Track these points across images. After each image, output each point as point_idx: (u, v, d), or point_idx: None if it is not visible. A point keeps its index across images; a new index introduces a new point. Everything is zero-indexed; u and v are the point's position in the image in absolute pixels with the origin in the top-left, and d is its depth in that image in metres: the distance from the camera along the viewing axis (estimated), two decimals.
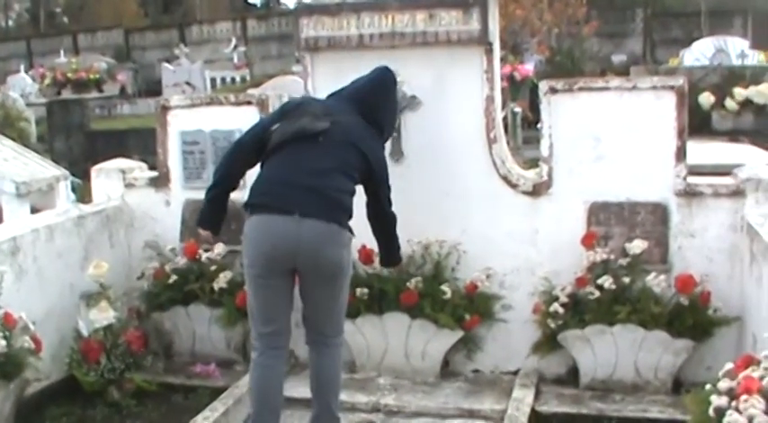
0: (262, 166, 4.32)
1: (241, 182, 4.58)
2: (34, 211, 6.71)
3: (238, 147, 4.47)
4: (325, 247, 4.10)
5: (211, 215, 4.51)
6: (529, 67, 14.46)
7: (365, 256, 5.14)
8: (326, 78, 5.11)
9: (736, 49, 15.57)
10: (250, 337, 4.42)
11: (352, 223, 4.25)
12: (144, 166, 6.18)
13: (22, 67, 27.12)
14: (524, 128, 12.40)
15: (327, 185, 4.14)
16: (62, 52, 27.69)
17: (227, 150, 4.65)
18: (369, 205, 4.51)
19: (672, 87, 4.95)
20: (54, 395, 5.05)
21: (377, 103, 4.52)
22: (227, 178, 4.42)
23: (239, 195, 5.36)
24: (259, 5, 50.20)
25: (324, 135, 4.21)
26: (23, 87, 23.13)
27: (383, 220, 4.56)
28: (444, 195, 5.27)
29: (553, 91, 5.11)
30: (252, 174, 4.46)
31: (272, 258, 4.12)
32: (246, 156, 4.40)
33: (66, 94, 23.06)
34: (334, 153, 4.21)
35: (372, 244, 4.83)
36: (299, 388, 4.89)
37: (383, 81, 4.60)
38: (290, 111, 4.39)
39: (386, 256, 4.80)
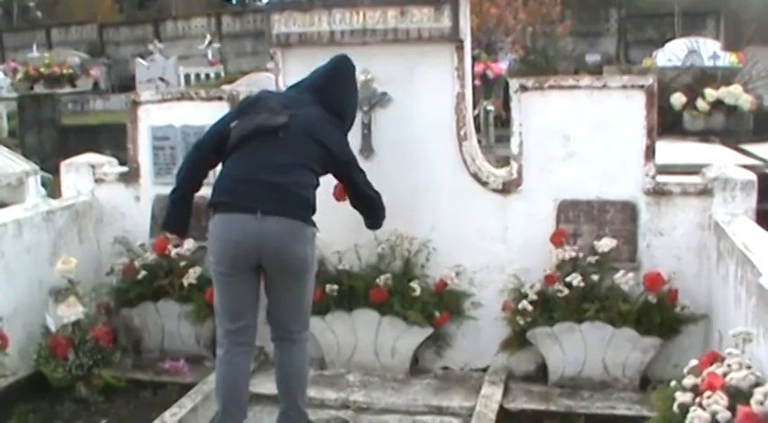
0: (223, 164, 4.30)
1: (205, 180, 4.54)
2: (3, 205, 6.65)
3: (196, 149, 4.45)
4: (289, 243, 4.10)
5: (177, 218, 4.51)
6: (503, 66, 14.46)
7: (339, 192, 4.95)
8: (297, 74, 5.09)
9: (709, 50, 15.67)
10: (217, 342, 4.39)
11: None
12: (114, 161, 6.14)
13: None
14: (497, 126, 12.41)
15: (288, 182, 4.13)
16: (35, 47, 27.55)
17: (186, 153, 4.63)
18: (349, 195, 4.59)
19: (641, 87, 4.98)
20: (21, 391, 5.00)
21: (336, 92, 4.51)
22: (188, 181, 4.40)
23: (208, 191, 5.37)
24: (234, 2, 50.05)
25: (283, 130, 4.19)
26: None
27: (369, 203, 4.63)
28: (414, 192, 5.28)
29: (524, 89, 5.13)
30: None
31: (236, 256, 4.12)
32: (206, 157, 4.38)
33: (39, 88, 22.98)
34: (294, 148, 4.20)
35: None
36: (266, 384, 4.89)
37: (341, 70, 4.58)
38: (247, 106, 4.37)
39: (372, 225, 4.83)
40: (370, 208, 4.66)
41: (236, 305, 4.23)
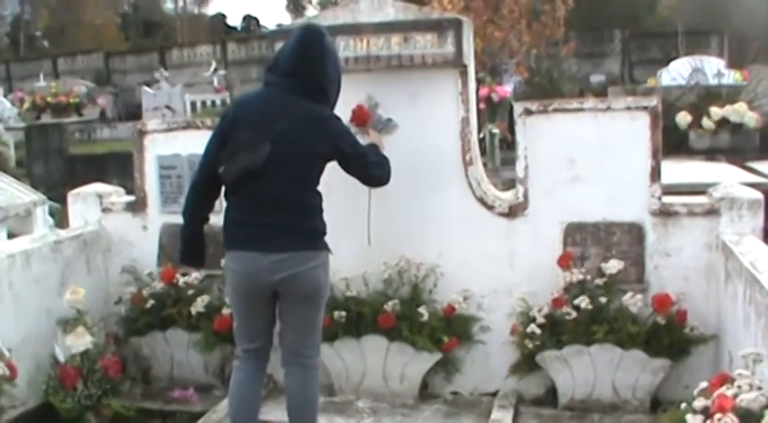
0: (226, 202, 4.28)
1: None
2: (11, 236, 6.67)
3: (193, 190, 4.37)
4: (299, 273, 4.10)
5: (193, 252, 4.47)
6: (508, 89, 14.48)
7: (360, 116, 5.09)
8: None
9: (713, 68, 15.71)
10: (235, 355, 4.43)
11: None
12: (121, 190, 6.17)
13: (1, 91, 27.02)
14: (503, 149, 12.42)
15: (288, 218, 4.10)
16: (42, 76, 27.73)
17: (187, 192, 4.51)
18: (360, 180, 4.54)
19: (646, 108, 4.98)
20: (30, 422, 5.00)
21: (311, 72, 4.18)
22: (195, 219, 4.37)
23: (217, 220, 5.39)
24: (239, 29, 50.41)
25: (269, 165, 4.04)
26: (2, 111, 23.07)
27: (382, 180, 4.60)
28: (421, 218, 5.29)
29: (528, 113, 5.14)
30: None
31: (250, 289, 4.18)
32: (206, 195, 4.33)
33: (46, 118, 23.11)
34: (286, 177, 4.08)
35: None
36: (276, 412, 4.89)
37: (308, 47, 4.19)
38: (228, 137, 4.18)
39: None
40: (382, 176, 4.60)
41: (253, 329, 4.30)
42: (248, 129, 4.12)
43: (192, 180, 4.47)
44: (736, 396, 3.12)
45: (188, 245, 4.42)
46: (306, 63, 4.18)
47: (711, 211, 4.94)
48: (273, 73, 4.28)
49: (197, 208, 4.35)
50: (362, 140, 4.70)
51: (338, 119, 4.35)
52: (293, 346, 4.28)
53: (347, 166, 4.34)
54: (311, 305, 4.24)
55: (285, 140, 4.06)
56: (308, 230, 4.16)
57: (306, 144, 4.13)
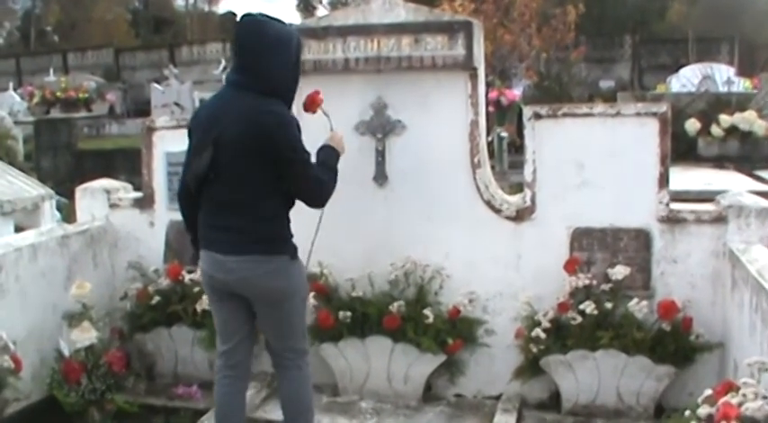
0: None
1: None
2: (19, 229, 6.68)
3: (179, 199, 4.25)
4: (256, 279, 3.99)
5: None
6: (517, 92, 14.49)
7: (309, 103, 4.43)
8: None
9: (723, 75, 15.70)
10: None
11: None
12: (129, 186, 6.18)
13: (10, 85, 27.08)
14: (511, 152, 12.42)
15: (239, 220, 3.96)
16: (51, 71, 27.75)
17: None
18: (294, 192, 4.06)
19: (655, 114, 4.98)
20: (34, 415, 5.00)
21: (253, 60, 3.93)
22: (193, 225, 4.23)
23: None
24: None
25: (212, 168, 3.93)
26: (12, 105, 23.09)
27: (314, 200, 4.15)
28: (428, 220, 5.28)
29: (537, 117, 5.13)
30: None
31: (213, 287, 4.15)
32: (191, 201, 4.16)
33: (55, 112, 23.16)
34: (232, 177, 3.94)
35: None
36: (277, 411, 4.85)
37: (245, 32, 3.96)
38: (190, 140, 4.13)
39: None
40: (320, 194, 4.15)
41: (225, 327, 4.24)
42: (198, 133, 4.05)
43: (177, 189, 4.32)
44: (740, 404, 3.12)
45: (196, 248, 4.32)
46: (245, 55, 3.96)
47: (719, 219, 4.93)
48: (230, 70, 4.14)
49: (190, 215, 4.22)
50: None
51: (282, 114, 3.94)
52: (275, 349, 4.25)
53: (284, 172, 3.92)
54: (277, 309, 4.12)
55: (225, 141, 3.90)
56: (262, 234, 3.97)
57: (244, 143, 3.88)
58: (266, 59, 3.91)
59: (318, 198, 4.12)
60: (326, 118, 4.36)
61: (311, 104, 4.32)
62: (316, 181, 4.04)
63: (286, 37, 3.98)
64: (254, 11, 4.00)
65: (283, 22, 4.04)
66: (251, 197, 3.93)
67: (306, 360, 4.29)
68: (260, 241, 3.98)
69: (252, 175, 3.91)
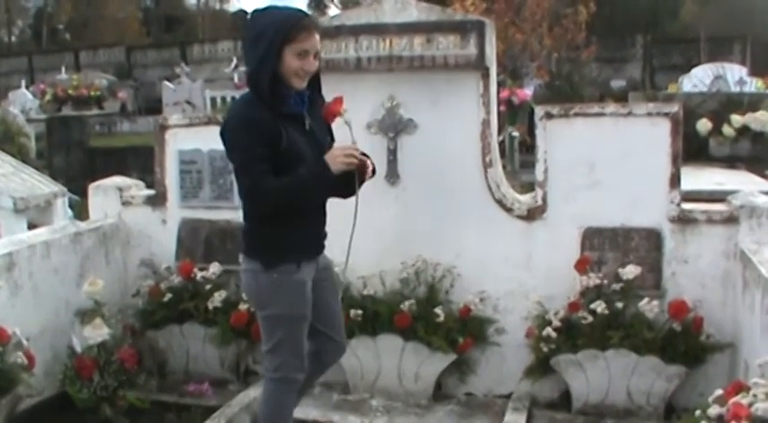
0: None
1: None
2: (31, 226, 6.72)
3: None
4: (242, 274, 3.97)
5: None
6: (528, 92, 14.50)
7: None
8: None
9: (735, 75, 15.67)
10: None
11: None
12: (141, 184, 6.20)
13: (23, 83, 27.25)
14: (522, 152, 12.44)
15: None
16: (63, 69, 27.89)
17: None
18: None
19: (667, 114, 4.97)
20: (46, 411, 5.03)
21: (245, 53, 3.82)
22: None
23: (235, 215, 5.43)
24: None
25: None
26: (24, 103, 23.23)
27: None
28: (439, 218, 5.29)
29: (549, 116, 5.14)
30: None
31: None
32: None
33: (67, 110, 23.26)
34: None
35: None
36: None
37: (244, 28, 3.96)
38: None
39: None
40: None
41: None
42: None
43: None
44: (751, 405, 3.12)
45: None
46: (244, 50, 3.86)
47: (730, 219, 4.92)
48: None
49: None
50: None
51: (226, 126, 3.74)
52: None
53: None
54: (257, 313, 4.00)
55: None
56: (245, 234, 3.88)
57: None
58: (246, 51, 3.80)
59: (250, 205, 3.79)
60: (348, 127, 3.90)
61: (329, 115, 3.91)
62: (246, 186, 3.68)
63: (265, 26, 3.68)
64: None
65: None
66: (241, 198, 3.80)
67: (273, 384, 3.96)
68: (244, 241, 3.88)
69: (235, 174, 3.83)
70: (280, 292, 3.79)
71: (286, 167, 3.64)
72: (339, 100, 3.84)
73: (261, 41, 3.63)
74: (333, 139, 3.94)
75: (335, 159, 3.69)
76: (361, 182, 3.84)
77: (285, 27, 3.62)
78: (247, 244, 3.85)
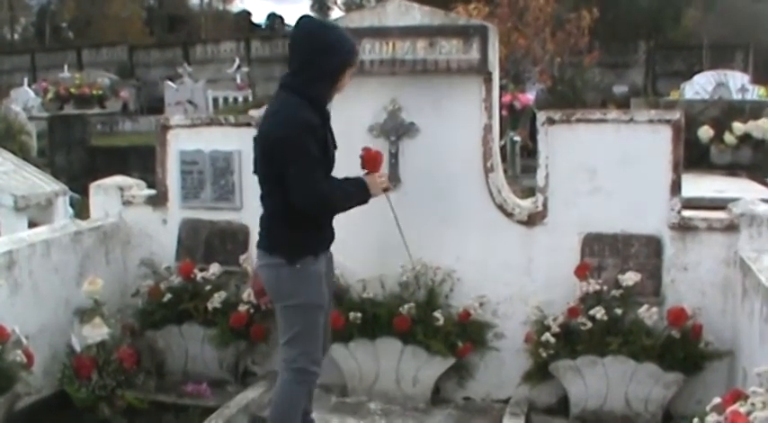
0: None
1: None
2: (32, 225, 6.72)
3: None
4: (259, 267, 4.30)
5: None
6: (530, 96, 14.51)
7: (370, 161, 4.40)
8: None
9: (737, 83, 15.68)
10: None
11: None
12: (142, 183, 6.20)
13: (25, 81, 27.23)
14: (523, 156, 12.43)
15: (262, 215, 4.24)
16: (66, 67, 27.87)
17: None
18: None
19: (668, 121, 4.98)
20: (45, 410, 5.03)
21: (292, 63, 4.08)
22: None
23: (236, 216, 5.43)
24: (263, 27, 50.56)
25: (254, 164, 4.18)
26: (26, 101, 23.23)
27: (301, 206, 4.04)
28: (440, 222, 5.30)
29: (551, 122, 5.14)
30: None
31: None
32: None
33: (69, 108, 23.27)
34: (260, 175, 4.16)
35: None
36: None
37: (292, 37, 4.08)
38: None
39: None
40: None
41: None
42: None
43: None
44: (749, 413, 3.12)
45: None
46: (291, 53, 4.07)
47: (731, 227, 4.93)
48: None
49: None
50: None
51: (291, 130, 3.94)
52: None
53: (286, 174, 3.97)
54: (278, 308, 4.23)
55: (259, 140, 4.11)
56: (264, 230, 4.22)
57: (263, 138, 4.08)
58: (301, 60, 4.05)
59: (302, 204, 3.99)
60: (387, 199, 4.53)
61: (369, 162, 4.39)
62: (299, 190, 3.96)
63: (332, 40, 4.05)
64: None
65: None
66: (267, 185, 4.12)
67: (290, 374, 4.20)
68: (263, 237, 4.20)
69: (267, 173, 4.09)
70: (302, 282, 4.10)
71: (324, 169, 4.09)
72: (379, 152, 4.44)
73: (332, 56, 3.99)
74: (335, 147, 4.25)
75: (379, 186, 4.32)
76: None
77: (354, 52, 4.10)
78: (271, 241, 4.14)
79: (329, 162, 4.14)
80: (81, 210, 8.12)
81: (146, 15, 49.57)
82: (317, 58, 3.96)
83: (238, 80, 26.41)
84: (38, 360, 4.74)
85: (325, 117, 4.11)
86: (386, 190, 4.41)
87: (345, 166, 4.31)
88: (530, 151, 11.68)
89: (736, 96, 14.40)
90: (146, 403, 5.24)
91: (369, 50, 5.17)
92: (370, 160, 4.38)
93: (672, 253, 5.02)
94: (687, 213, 5.02)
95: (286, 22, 51.48)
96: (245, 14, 53.28)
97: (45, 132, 16.49)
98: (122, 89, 26.61)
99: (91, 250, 5.65)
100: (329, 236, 4.30)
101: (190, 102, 22.57)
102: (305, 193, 3.95)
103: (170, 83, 24.42)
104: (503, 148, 9.78)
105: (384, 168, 4.54)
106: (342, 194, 4.15)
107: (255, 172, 4.16)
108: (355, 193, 4.21)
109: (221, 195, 5.71)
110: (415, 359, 5.20)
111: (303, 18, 4.11)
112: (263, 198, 4.16)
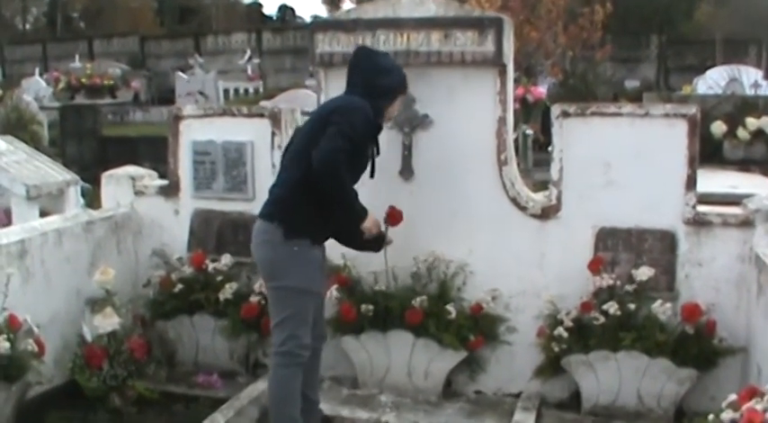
0: None
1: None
2: (44, 214, 6.71)
3: None
4: (255, 244, 4.33)
5: None
6: (542, 90, 14.46)
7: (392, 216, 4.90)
8: (339, 94, 5.13)
9: (750, 78, 15.58)
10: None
11: None
12: (154, 174, 6.19)
13: (37, 71, 27.30)
14: (535, 150, 12.41)
15: (275, 184, 4.39)
16: (77, 57, 27.94)
17: None
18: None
19: (684, 115, 4.94)
20: (55, 399, 5.05)
21: (353, 77, 4.50)
22: None
23: (248, 207, 5.42)
24: (275, 18, 50.55)
25: (289, 143, 4.52)
26: (38, 91, 23.29)
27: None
28: (453, 215, 5.27)
29: (565, 115, 5.11)
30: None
31: None
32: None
33: (80, 98, 23.33)
34: (287, 158, 4.40)
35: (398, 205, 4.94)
36: None
37: (353, 61, 4.55)
38: None
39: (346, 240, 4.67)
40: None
41: None
42: None
43: None
44: (765, 410, 3.11)
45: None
46: (351, 72, 4.49)
47: (746, 223, 4.89)
48: None
49: None
50: None
51: (354, 104, 4.31)
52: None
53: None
54: (269, 287, 4.33)
55: (313, 113, 4.55)
56: (273, 197, 4.34)
57: (321, 109, 4.51)
58: (364, 77, 4.46)
59: (321, 163, 4.07)
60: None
61: (393, 218, 4.87)
62: (326, 151, 4.08)
63: (384, 65, 4.56)
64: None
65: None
66: (296, 159, 4.28)
67: (277, 358, 4.30)
68: (270, 204, 4.32)
69: (304, 139, 4.31)
70: (296, 263, 4.20)
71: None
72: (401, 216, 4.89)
73: (390, 78, 4.49)
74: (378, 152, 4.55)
75: (376, 224, 4.52)
76: (379, 246, 4.73)
77: (406, 81, 4.61)
78: (275, 208, 4.25)
79: (363, 160, 4.38)
80: (92, 200, 8.12)
81: (157, 6, 49.57)
82: (377, 77, 4.40)
83: (249, 71, 26.42)
84: (49, 349, 4.74)
85: (378, 128, 4.44)
86: (380, 237, 4.66)
87: None
88: (542, 145, 11.65)
89: (750, 92, 14.30)
90: (156, 393, 5.25)
91: (383, 42, 5.15)
92: (393, 215, 4.85)
93: (686, 248, 4.98)
94: (702, 208, 4.98)
95: (297, 14, 51.46)
96: (257, 6, 53.22)
97: (56, 122, 16.51)
98: (133, 79, 26.63)
99: (102, 240, 5.64)
100: (329, 230, 4.43)
101: (201, 93, 22.57)
102: (326, 150, 4.06)
103: (181, 74, 24.44)
104: (515, 142, 9.77)
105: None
106: (348, 190, 4.23)
107: (287, 150, 4.42)
108: (357, 205, 4.32)
109: (233, 186, 5.70)
110: (427, 352, 5.19)
111: (362, 48, 4.64)
112: (279, 174, 4.34)
